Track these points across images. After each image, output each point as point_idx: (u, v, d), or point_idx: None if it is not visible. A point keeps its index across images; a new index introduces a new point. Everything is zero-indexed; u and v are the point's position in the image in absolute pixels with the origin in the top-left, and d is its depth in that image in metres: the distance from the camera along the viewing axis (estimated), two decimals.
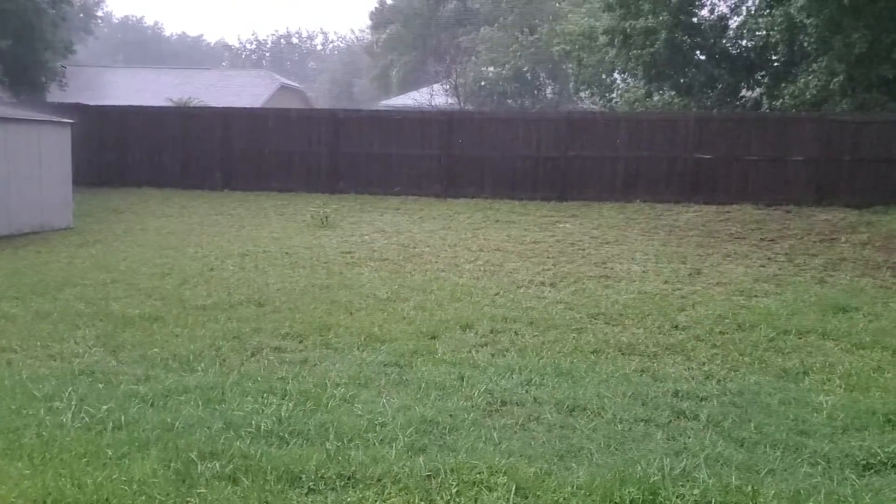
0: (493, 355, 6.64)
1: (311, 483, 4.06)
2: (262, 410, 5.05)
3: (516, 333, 7.36)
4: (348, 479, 4.11)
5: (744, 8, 22.13)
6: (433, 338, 7.12)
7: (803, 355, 6.75)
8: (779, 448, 4.65)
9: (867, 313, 8.40)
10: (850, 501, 3.93)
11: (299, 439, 4.64)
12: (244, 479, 4.08)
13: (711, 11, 22.18)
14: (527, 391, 5.66)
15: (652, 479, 4.02)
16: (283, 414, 4.98)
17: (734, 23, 22.12)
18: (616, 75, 25.71)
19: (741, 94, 22.15)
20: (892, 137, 17.20)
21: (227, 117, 20.88)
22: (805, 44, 19.22)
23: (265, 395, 5.40)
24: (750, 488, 3.97)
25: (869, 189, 17.11)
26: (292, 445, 4.53)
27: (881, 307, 8.72)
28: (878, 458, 4.51)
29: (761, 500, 3.88)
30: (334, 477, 4.12)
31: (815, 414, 5.27)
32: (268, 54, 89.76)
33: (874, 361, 6.63)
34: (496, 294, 9.14)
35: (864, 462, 4.48)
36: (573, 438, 4.78)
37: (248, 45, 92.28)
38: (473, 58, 36.31)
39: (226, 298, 8.53)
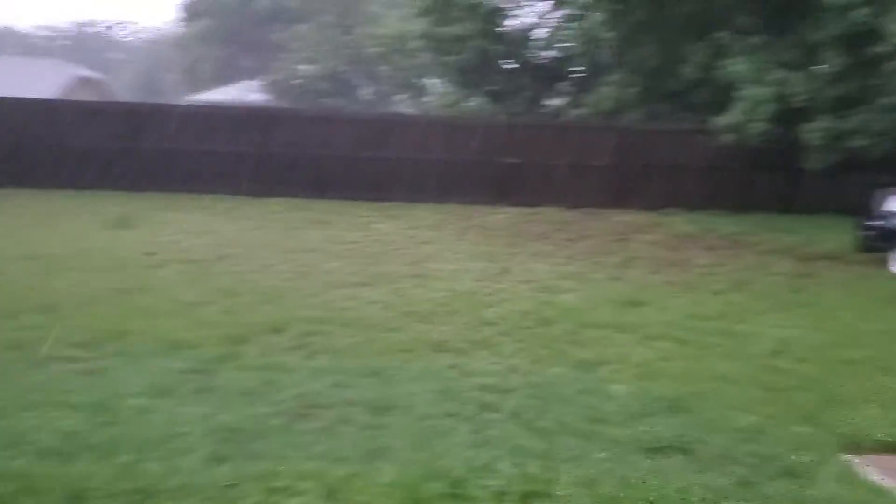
0: (304, 358, 6.51)
1: (99, 500, 3.78)
2: (48, 425, 4.64)
3: (329, 335, 7.26)
4: (142, 493, 3.86)
5: (549, 20, 23.25)
6: (241, 342, 6.86)
7: (600, 347, 7.16)
8: (576, 436, 4.89)
9: (657, 307, 9.07)
10: (640, 483, 4.20)
11: (90, 455, 4.30)
12: (25, 501, 3.72)
13: (519, 22, 23.12)
14: (337, 393, 5.59)
15: (456, 473, 4.09)
16: (70, 428, 4.60)
17: (540, 34, 23.18)
18: (430, 79, 26.21)
19: (547, 103, 23.26)
20: (680, 146, 18.71)
21: (13, 108, 19.07)
22: (604, 56, 20.52)
23: (51, 408, 4.96)
24: (549, 476, 4.14)
25: (660, 193, 18.51)
26: (80, 462, 4.19)
27: (669, 301, 9.46)
28: (664, 441, 4.84)
29: (559, 486, 4.06)
30: (127, 492, 3.85)
31: (609, 402, 5.59)
32: (68, 43, 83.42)
33: (662, 351, 7.16)
34: (310, 295, 8.99)
35: (652, 446, 4.79)
36: (382, 438, 4.78)
37: (42, 33, 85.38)
38: (288, 55, 35.66)
39: (9, 306, 7.77)
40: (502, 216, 16.97)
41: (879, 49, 13.82)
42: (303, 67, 34.11)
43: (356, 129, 19.20)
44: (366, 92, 35.98)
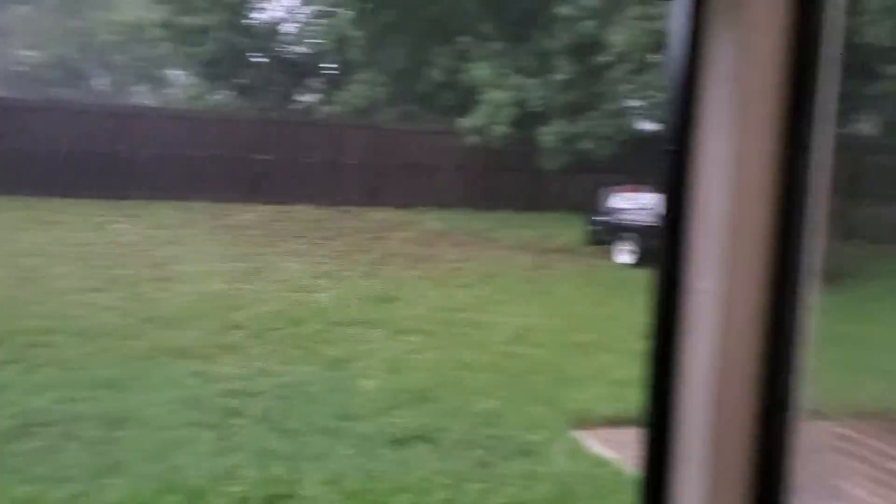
0: (23, 372, 5.86)
1: None
2: None
3: (56, 346, 6.61)
4: None
5: (298, 15, 23.00)
6: None
7: (351, 344, 7.17)
8: (324, 434, 4.84)
9: (408, 302, 9.28)
10: (384, 475, 4.24)
11: None
12: None
13: (267, 15, 22.63)
14: (63, 408, 5.09)
15: (196, 482, 3.88)
16: None
17: (290, 29, 22.87)
18: (173, 70, 24.89)
19: (299, 99, 22.99)
20: (430, 147, 19.35)
21: None
22: (355, 55, 20.67)
23: None
24: (294, 477, 4.05)
25: (413, 191, 19.01)
26: None
27: (420, 296, 9.72)
28: (410, 432, 4.94)
29: (305, 486, 3.98)
30: None
31: (358, 398, 5.62)
32: None
33: (412, 345, 7.32)
34: (33, 303, 8.12)
35: (397, 437, 4.86)
36: (114, 453, 4.42)
37: None
38: (9, 39, 32.05)
39: None
40: (253, 215, 16.50)
41: (603, 59, 15.22)
42: (26, 53, 30.87)
43: (87, 121, 17.70)
44: (100, 82, 33.31)
